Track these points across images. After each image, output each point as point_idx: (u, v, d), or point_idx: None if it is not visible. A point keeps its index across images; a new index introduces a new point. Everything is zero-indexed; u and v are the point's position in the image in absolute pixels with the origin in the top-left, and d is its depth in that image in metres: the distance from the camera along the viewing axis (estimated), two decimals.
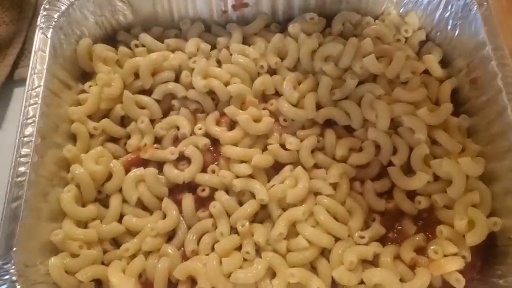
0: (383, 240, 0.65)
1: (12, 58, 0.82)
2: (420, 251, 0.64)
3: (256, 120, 0.71)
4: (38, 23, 0.73)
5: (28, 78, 0.68)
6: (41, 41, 0.71)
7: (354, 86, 0.72)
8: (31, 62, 0.70)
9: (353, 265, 0.61)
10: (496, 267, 0.62)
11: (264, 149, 0.70)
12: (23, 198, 0.61)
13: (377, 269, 0.61)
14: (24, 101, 0.67)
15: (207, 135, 0.71)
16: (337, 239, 0.63)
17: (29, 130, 0.65)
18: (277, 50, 0.76)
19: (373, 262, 0.63)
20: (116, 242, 0.67)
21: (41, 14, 0.73)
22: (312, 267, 0.63)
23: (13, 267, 0.57)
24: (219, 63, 0.77)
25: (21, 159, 0.63)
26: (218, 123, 0.73)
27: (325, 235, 0.63)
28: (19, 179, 0.62)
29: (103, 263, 0.65)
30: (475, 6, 0.71)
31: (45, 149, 0.66)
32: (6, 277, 0.57)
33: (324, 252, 0.63)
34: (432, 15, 0.77)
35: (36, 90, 0.68)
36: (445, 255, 0.62)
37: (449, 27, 0.75)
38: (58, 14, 0.73)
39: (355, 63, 0.72)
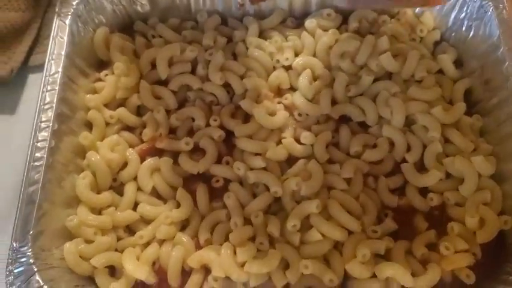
0: (394, 236, 0.65)
1: (27, 44, 0.82)
2: (432, 247, 0.64)
3: (271, 113, 0.72)
4: (57, 9, 0.73)
5: (46, 64, 0.69)
6: (59, 27, 0.71)
7: (370, 83, 0.73)
8: (49, 47, 0.70)
9: (365, 258, 0.61)
10: (506, 265, 0.63)
11: (278, 143, 0.71)
12: (40, 182, 0.61)
13: (390, 263, 0.62)
14: (42, 87, 0.67)
15: (221, 127, 0.72)
16: (350, 233, 0.64)
17: (46, 115, 0.65)
18: (293, 45, 0.77)
19: (385, 256, 0.63)
20: (130, 230, 0.67)
21: (59, 1, 0.74)
22: (325, 260, 0.63)
23: (30, 250, 0.58)
24: (235, 56, 0.78)
25: (38, 144, 0.64)
26: (233, 115, 0.74)
27: (338, 228, 0.63)
28: (36, 163, 0.62)
29: (116, 250, 0.65)
30: (491, 8, 0.72)
31: (61, 135, 0.66)
32: (23, 259, 0.57)
33: (337, 246, 0.64)
34: (447, 15, 0.77)
35: (54, 76, 0.68)
36: (456, 252, 0.63)
37: (464, 28, 0.76)
38: (77, 1, 0.74)
39: (371, 60, 0.73)
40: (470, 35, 0.75)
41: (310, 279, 0.62)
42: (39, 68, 0.72)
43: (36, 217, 0.59)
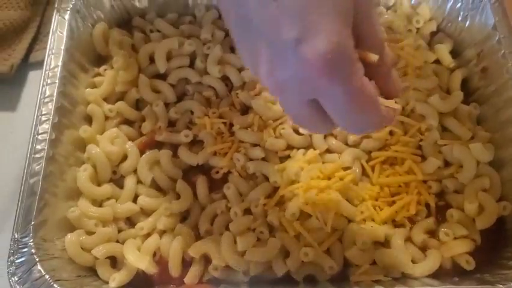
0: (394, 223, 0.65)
1: (27, 42, 0.83)
2: (431, 233, 0.65)
3: (270, 105, 0.72)
4: (56, 5, 0.74)
5: (46, 58, 0.69)
6: (59, 22, 0.72)
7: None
8: (49, 42, 0.71)
9: (365, 246, 0.62)
10: (505, 250, 0.63)
11: (277, 133, 0.71)
12: (41, 174, 0.62)
13: (389, 250, 0.62)
14: (42, 81, 0.68)
15: (220, 119, 0.72)
16: (349, 221, 0.64)
17: (46, 108, 0.66)
18: None
19: (384, 244, 0.64)
20: (130, 222, 0.67)
21: None
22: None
23: (32, 240, 0.58)
24: (233, 49, 0.79)
25: (39, 136, 0.64)
26: (232, 107, 0.74)
27: (338, 216, 0.64)
28: (37, 155, 0.63)
29: (117, 242, 0.65)
30: None
31: (62, 128, 0.67)
32: (25, 250, 0.57)
33: (337, 233, 0.64)
34: (443, 6, 0.78)
35: (54, 70, 0.69)
36: (455, 238, 0.63)
37: (460, 18, 0.76)
38: None
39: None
40: (466, 24, 0.76)
41: (310, 267, 0.62)
42: (39, 64, 0.72)
43: (38, 208, 0.60)
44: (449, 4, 0.77)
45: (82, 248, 0.62)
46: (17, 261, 0.57)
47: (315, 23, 0.37)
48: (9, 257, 0.57)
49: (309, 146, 0.70)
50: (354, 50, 0.39)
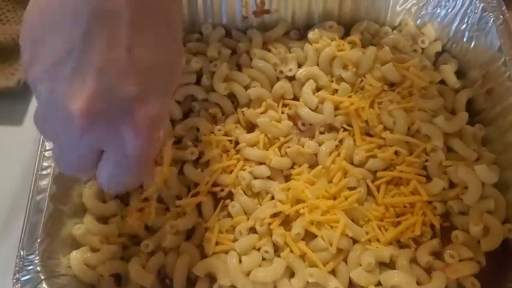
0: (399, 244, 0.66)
1: None
2: (436, 255, 0.65)
3: (275, 123, 0.73)
4: None
5: None
6: None
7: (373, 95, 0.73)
8: None
9: (370, 266, 0.62)
10: (510, 273, 0.63)
11: (283, 152, 0.72)
12: (47, 191, 0.62)
13: (395, 271, 0.62)
14: None
15: (226, 136, 0.73)
16: (355, 241, 0.64)
17: None
18: (296, 57, 0.78)
19: (389, 265, 0.64)
20: (135, 239, 0.67)
21: None
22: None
23: (37, 257, 0.58)
24: (239, 67, 0.79)
25: (46, 153, 0.64)
26: (237, 125, 0.74)
27: (343, 237, 0.64)
28: (43, 172, 0.63)
29: (122, 259, 0.65)
30: (491, 19, 0.73)
31: None
32: (30, 267, 0.57)
33: (342, 254, 0.64)
34: (448, 27, 0.79)
35: None
36: (461, 260, 0.63)
37: (465, 39, 0.77)
38: None
39: (373, 71, 0.74)
40: (472, 45, 0.76)
41: None
42: None
43: (44, 225, 0.60)
44: (455, 25, 0.78)
45: (86, 265, 0.62)
46: (22, 279, 0.57)
47: (156, 90, 0.43)
48: (14, 275, 0.57)
49: (314, 165, 0.70)
50: None
